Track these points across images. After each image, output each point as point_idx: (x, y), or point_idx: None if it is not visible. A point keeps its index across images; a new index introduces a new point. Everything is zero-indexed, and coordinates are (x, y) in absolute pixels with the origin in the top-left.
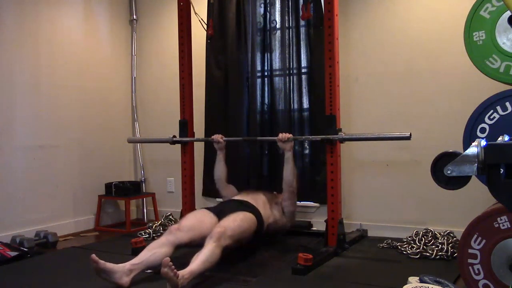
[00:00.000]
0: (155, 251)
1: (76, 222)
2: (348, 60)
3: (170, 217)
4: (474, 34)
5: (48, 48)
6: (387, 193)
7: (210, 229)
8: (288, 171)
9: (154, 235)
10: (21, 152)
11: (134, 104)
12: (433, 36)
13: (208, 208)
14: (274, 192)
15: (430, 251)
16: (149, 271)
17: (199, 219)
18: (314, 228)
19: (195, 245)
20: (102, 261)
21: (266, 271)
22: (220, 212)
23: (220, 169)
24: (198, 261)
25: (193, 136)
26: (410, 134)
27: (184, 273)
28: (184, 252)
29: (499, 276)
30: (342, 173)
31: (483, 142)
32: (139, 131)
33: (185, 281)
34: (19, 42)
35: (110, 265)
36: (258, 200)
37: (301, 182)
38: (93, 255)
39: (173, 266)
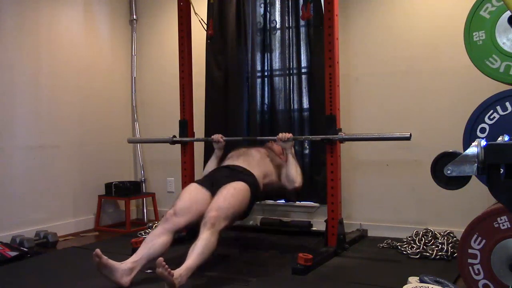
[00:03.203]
0: (154, 242)
1: (76, 222)
2: (348, 60)
3: None
4: (474, 34)
5: (48, 48)
6: (387, 193)
7: (204, 206)
8: (291, 168)
9: None
10: (21, 152)
11: (134, 104)
12: (433, 36)
13: (199, 182)
14: (268, 143)
15: (430, 251)
16: (149, 271)
17: (193, 199)
18: (314, 228)
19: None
20: (105, 257)
21: (266, 271)
22: (213, 184)
23: (212, 167)
24: (195, 255)
25: (193, 136)
26: (410, 134)
27: (181, 271)
28: (184, 251)
29: (499, 276)
30: (342, 173)
31: (483, 142)
32: (139, 131)
33: (182, 279)
34: (19, 42)
35: (112, 263)
36: (251, 160)
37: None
38: (97, 250)
39: (166, 266)
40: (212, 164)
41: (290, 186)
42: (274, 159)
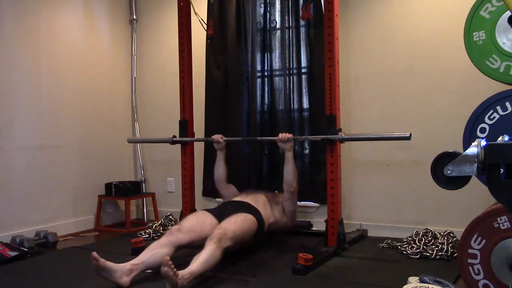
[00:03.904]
0: (156, 251)
1: (76, 222)
2: (348, 60)
3: (170, 217)
4: (474, 34)
5: (48, 48)
6: (387, 193)
7: (210, 231)
8: (289, 171)
9: (154, 235)
10: (21, 152)
11: (134, 104)
12: (433, 36)
13: (208, 210)
14: (275, 191)
15: (430, 251)
16: (149, 271)
17: (199, 221)
18: (314, 228)
19: (195, 246)
20: (102, 259)
21: (266, 271)
22: (220, 214)
23: (220, 169)
24: (198, 262)
25: (193, 136)
26: (410, 134)
27: (184, 273)
28: (184, 252)
29: (499, 276)
30: (342, 173)
31: (483, 142)
32: (139, 131)
33: (185, 281)
34: (19, 42)
35: (110, 264)
36: (259, 200)
37: (301, 182)
38: (94, 253)
39: (172, 266)
40: (219, 168)
41: (286, 190)
42: (280, 203)
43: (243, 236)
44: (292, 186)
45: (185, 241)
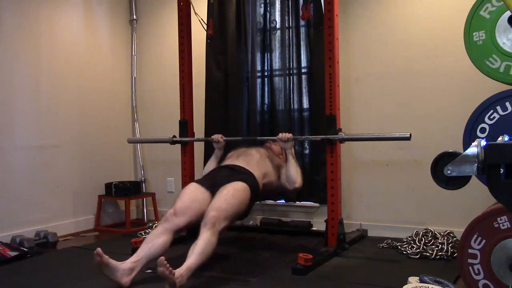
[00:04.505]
0: (154, 242)
1: (76, 222)
2: (348, 60)
3: None
4: (474, 34)
5: (48, 48)
6: (387, 193)
7: (204, 206)
8: (291, 168)
9: None
10: (21, 152)
11: (134, 104)
12: (433, 36)
13: (199, 182)
14: (267, 143)
15: (430, 251)
16: (149, 271)
17: (193, 198)
18: (314, 228)
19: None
20: (106, 256)
21: (266, 271)
22: (212, 184)
23: (212, 166)
24: (195, 254)
25: (193, 136)
26: (410, 134)
27: (182, 270)
28: (184, 251)
29: (499, 276)
30: (342, 173)
31: (483, 142)
32: (139, 131)
33: (183, 279)
34: (19, 42)
35: (113, 262)
36: (251, 160)
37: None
38: (99, 249)
39: (168, 265)
40: (211, 164)
41: (290, 187)
42: (274, 159)
43: (238, 211)
44: (296, 182)
45: (182, 224)
